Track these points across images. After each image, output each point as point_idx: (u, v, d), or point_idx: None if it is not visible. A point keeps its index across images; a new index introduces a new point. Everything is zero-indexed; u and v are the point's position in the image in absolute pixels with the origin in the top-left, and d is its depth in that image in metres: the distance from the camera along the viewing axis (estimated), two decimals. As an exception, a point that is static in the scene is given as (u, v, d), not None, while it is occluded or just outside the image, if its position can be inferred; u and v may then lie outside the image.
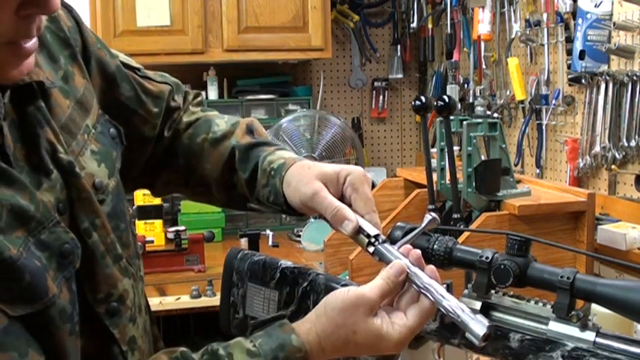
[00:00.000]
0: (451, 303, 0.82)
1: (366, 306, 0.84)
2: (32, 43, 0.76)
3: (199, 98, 1.19)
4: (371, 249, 0.91)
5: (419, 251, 0.89)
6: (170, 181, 1.15)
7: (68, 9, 0.98)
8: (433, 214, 0.92)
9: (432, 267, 0.88)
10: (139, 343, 0.93)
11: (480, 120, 1.96)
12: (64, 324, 0.79)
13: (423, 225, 0.92)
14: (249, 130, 1.10)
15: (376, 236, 0.91)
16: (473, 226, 1.84)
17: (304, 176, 0.98)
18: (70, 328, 0.80)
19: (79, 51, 0.96)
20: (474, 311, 0.82)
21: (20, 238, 0.75)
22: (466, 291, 0.89)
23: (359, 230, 0.92)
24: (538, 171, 2.53)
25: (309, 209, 0.98)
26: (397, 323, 0.84)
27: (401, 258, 0.87)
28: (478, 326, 0.80)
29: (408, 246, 0.90)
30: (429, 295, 0.84)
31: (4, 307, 0.72)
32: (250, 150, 1.07)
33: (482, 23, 2.63)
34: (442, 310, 0.83)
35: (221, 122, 1.12)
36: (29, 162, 0.81)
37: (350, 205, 0.95)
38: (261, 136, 1.11)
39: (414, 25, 3.30)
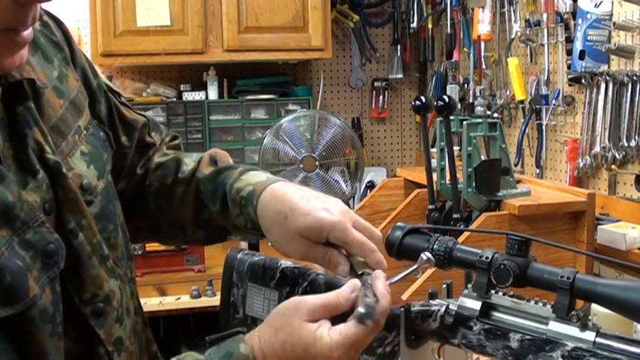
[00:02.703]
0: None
1: (303, 310, 0.82)
2: (28, 32, 0.76)
3: (177, 141, 1.18)
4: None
5: (379, 284, 0.86)
6: (140, 228, 1.12)
7: (57, 21, 0.98)
8: (428, 254, 0.90)
9: (385, 296, 0.84)
10: (126, 344, 0.93)
11: (480, 120, 1.96)
12: (45, 325, 0.79)
13: (417, 265, 0.91)
14: (212, 161, 1.08)
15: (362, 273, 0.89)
16: (473, 226, 1.84)
17: (283, 229, 0.96)
18: (51, 329, 0.80)
19: (69, 56, 0.97)
20: None
21: (5, 237, 0.75)
22: (466, 291, 0.89)
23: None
24: (538, 171, 2.53)
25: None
26: (333, 329, 0.81)
27: (365, 282, 0.85)
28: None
29: (379, 276, 0.86)
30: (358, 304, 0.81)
31: None
32: (214, 179, 1.04)
33: (483, 23, 2.63)
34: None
35: (189, 161, 1.10)
36: (17, 161, 0.82)
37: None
38: (224, 164, 1.08)
39: (414, 25, 3.30)
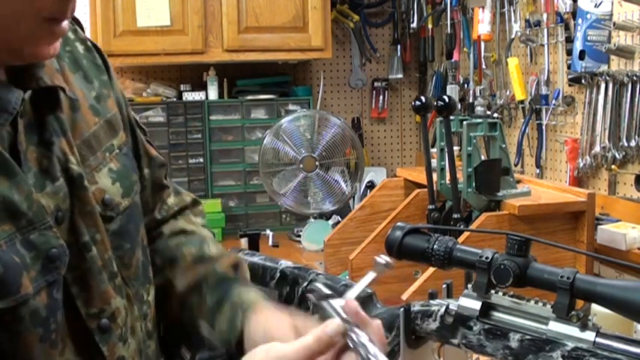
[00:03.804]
0: None
1: (295, 356, 0.75)
2: (65, 24, 0.80)
3: (200, 207, 1.17)
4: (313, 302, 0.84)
5: (364, 315, 0.81)
6: None
7: (98, 50, 1.02)
8: (385, 257, 0.85)
9: (377, 323, 0.81)
10: None
11: (480, 120, 1.96)
12: (36, 327, 0.78)
13: (375, 273, 0.85)
14: (234, 267, 1.05)
15: (327, 295, 0.83)
16: (473, 226, 1.84)
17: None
18: (42, 333, 0.79)
19: (109, 83, 1.01)
20: None
21: (6, 231, 0.76)
22: (466, 291, 0.89)
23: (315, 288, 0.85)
24: (538, 171, 2.53)
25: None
26: None
27: (341, 316, 0.79)
28: None
29: (353, 303, 0.81)
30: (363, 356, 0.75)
31: None
32: (225, 282, 1.02)
33: (483, 23, 2.63)
34: None
35: (213, 247, 1.08)
36: (39, 164, 0.83)
37: None
38: (242, 275, 1.05)
39: (414, 25, 3.30)
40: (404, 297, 1.67)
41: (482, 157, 1.94)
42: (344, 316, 0.78)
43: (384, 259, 0.85)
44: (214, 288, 1.01)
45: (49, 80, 0.85)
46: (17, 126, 0.80)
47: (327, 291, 0.83)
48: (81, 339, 0.86)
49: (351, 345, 0.76)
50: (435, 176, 2.05)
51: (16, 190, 0.78)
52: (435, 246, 0.91)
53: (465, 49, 2.95)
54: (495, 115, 2.67)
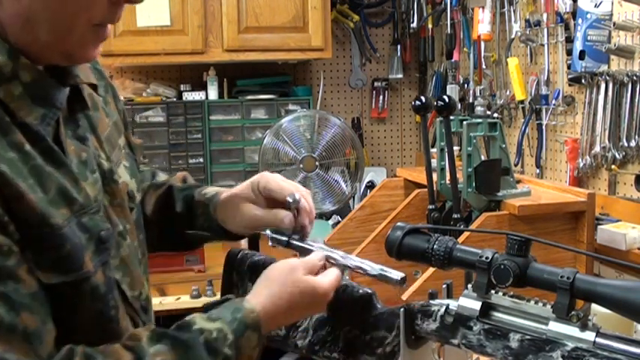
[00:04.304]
0: (365, 266, 0.99)
1: (304, 266, 0.97)
2: (109, 29, 0.86)
3: (146, 160, 1.33)
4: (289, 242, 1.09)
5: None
6: None
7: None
8: (295, 196, 1.05)
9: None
10: None
11: (480, 120, 1.96)
12: (95, 303, 0.85)
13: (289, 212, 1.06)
14: (184, 180, 1.23)
15: (289, 235, 1.09)
16: (473, 226, 1.84)
17: (236, 208, 1.11)
18: (101, 308, 0.85)
19: (109, 86, 1.08)
20: (390, 268, 0.97)
21: (65, 215, 0.81)
22: (466, 291, 0.89)
23: (273, 237, 1.10)
24: (538, 171, 2.53)
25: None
26: (324, 275, 0.98)
27: (316, 247, 1.04)
28: (394, 274, 0.96)
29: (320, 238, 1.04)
30: (349, 266, 1.01)
31: (40, 274, 0.78)
32: (184, 190, 1.18)
33: (483, 23, 2.63)
34: (362, 271, 0.99)
35: (163, 174, 1.25)
36: (78, 156, 0.88)
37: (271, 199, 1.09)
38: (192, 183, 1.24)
39: (414, 25, 3.30)
40: (404, 297, 1.67)
41: (483, 157, 1.94)
42: (316, 244, 1.05)
43: (290, 198, 1.05)
44: (177, 198, 1.17)
45: (85, 78, 0.92)
46: (59, 120, 0.86)
47: (282, 235, 1.09)
48: (130, 319, 0.93)
49: (334, 262, 1.01)
50: (435, 176, 2.05)
51: (66, 178, 0.83)
52: (435, 246, 0.91)
53: (465, 49, 2.95)
54: (495, 115, 2.67)
